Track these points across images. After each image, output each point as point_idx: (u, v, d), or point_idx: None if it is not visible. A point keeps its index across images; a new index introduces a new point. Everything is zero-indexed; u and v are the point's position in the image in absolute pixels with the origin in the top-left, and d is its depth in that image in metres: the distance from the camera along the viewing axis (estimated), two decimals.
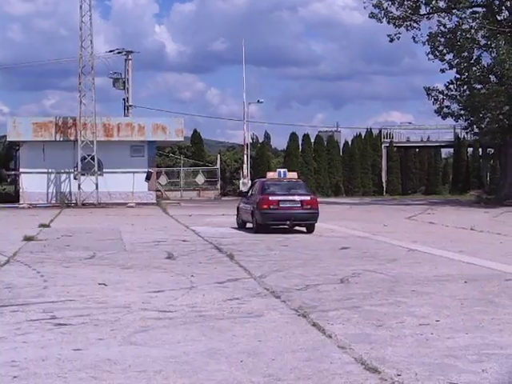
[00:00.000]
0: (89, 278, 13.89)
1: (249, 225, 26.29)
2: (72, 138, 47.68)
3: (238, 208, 28.11)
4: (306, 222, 25.36)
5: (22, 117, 50.42)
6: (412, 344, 8.61)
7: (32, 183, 46.91)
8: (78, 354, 8.09)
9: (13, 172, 51.90)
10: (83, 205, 44.99)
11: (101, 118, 48.33)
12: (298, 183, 27.06)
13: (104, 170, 47.27)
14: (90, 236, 23.51)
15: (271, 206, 25.06)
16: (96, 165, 46.50)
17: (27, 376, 7.20)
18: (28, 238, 21.70)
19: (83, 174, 46.57)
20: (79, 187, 46.10)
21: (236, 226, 27.59)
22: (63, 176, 47.98)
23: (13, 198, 49.92)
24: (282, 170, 27.92)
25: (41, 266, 15.79)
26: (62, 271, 14.98)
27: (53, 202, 47.30)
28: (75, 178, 46.93)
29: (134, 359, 7.86)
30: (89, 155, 46.63)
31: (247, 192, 28.71)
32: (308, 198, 25.92)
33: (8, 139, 49.29)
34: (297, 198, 25.59)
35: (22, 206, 45.59)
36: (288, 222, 25.01)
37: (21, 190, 47.93)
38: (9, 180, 55.94)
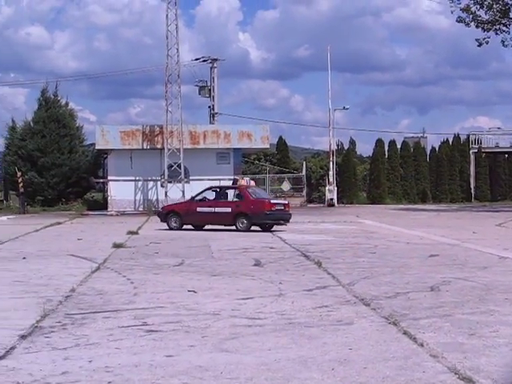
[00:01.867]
0: (178, 285, 14.00)
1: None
2: (159, 145, 48.32)
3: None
4: (288, 220, 30.70)
5: (109, 125, 51.28)
6: (507, 354, 8.42)
7: (120, 191, 47.68)
8: (170, 360, 8.15)
9: (101, 180, 52.79)
10: None
11: (187, 125, 48.84)
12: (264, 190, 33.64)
13: (190, 178, 47.76)
14: (177, 243, 23.73)
15: (272, 209, 30.01)
16: (182, 172, 47.00)
17: (121, 382, 7.28)
18: (117, 245, 22.04)
19: (170, 182, 47.14)
20: (166, 194, 46.64)
21: (315, 233, 27.49)
22: (150, 183, 48.64)
23: (101, 205, 50.79)
24: (247, 179, 34.80)
25: (130, 272, 16.00)
26: (152, 278, 15.13)
27: (140, 209, 47.99)
28: (162, 186, 47.53)
29: (226, 366, 7.87)
30: (175, 163, 47.16)
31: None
32: (287, 202, 32.52)
33: (96, 147, 50.22)
34: (282, 202, 32.84)
35: (110, 213, 46.36)
36: (282, 222, 30.16)
37: (109, 198, 48.77)
38: (97, 187, 56.88)
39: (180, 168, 47.01)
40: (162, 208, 33.32)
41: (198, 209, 30.36)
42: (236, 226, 29.68)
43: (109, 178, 49.36)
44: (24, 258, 19.35)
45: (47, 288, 13.75)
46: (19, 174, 48.80)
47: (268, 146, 54.31)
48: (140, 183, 48.58)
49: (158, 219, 31.62)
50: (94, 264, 17.55)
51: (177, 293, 13.04)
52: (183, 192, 46.27)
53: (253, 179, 63.45)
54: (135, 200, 48.63)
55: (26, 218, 41.23)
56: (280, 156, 69.39)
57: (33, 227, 31.38)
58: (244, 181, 33.42)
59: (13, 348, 8.76)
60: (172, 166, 47.18)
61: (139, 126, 49.84)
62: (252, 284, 14.21)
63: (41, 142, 52.13)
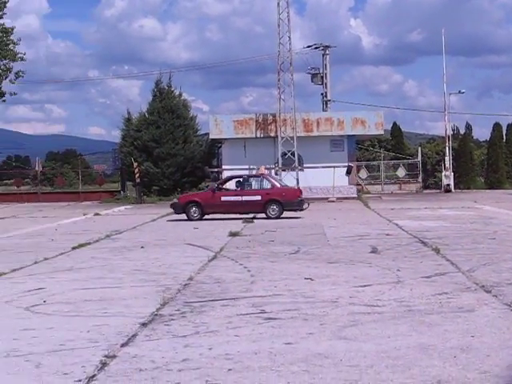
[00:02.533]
0: (295, 273, 13.99)
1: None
2: (272, 134, 48.42)
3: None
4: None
5: (223, 115, 51.66)
6: None
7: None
8: (290, 347, 8.14)
9: (215, 169, 53.27)
10: None
11: (300, 113, 48.77)
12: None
13: (304, 165, 47.71)
14: (293, 231, 23.73)
15: (301, 195, 31.69)
16: (296, 160, 46.99)
17: (241, 369, 7.31)
18: (233, 234, 22.21)
19: (284, 170, 47.18)
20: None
21: (432, 219, 27.05)
22: None
23: None
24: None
25: (247, 260, 16.08)
26: (268, 266, 15.17)
27: None
28: (276, 174, 47.62)
29: (345, 354, 7.81)
30: (289, 151, 47.19)
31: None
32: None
33: (210, 137, 50.68)
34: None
35: None
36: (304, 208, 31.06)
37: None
38: (212, 177, 57.45)
39: (294, 156, 47.04)
40: (179, 199, 32.03)
41: (223, 198, 30.38)
42: (266, 214, 29.95)
43: (223, 167, 49.76)
44: (142, 247, 19.71)
45: (166, 276, 13.95)
46: (135, 164, 49.71)
47: (382, 132, 53.74)
48: (254, 172, 48.79)
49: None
50: (210, 252, 17.73)
51: (294, 280, 13.04)
52: (297, 180, 46.28)
53: (367, 166, 63.21)
54: None
55: (142, 208, 42.00)
56: (394, 142, 68.65)
57: (150, 217, 31.97)
58: (264, 169, 34.14)
59: (134, 335, 8.91)
60: (286, 154, 47.25)
61: (252, 114, 50.06)
62: (369, 271, 14.09)
63: (156, 132, 52.93)
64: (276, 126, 48.09)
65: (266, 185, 31.11)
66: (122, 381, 7.06)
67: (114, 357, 7.92)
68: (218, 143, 52.41)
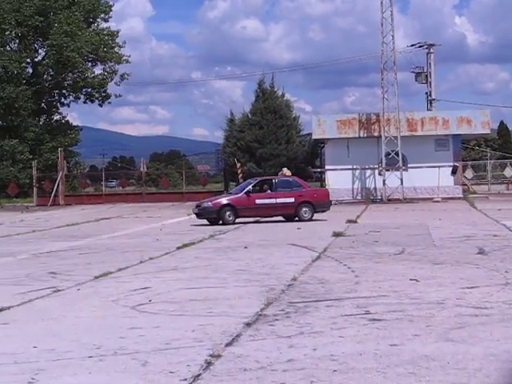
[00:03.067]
0: (400, 274, 13.81)
1: None
2: (375, 133, 48.03)
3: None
4: None
5: (325, 115, 51.52)
6: None
7: (337, 180, 47.76)
8: (395, 349, 8.02)
9: (318, 169, 53.17)
10: (388, 200, 45.14)
11: (404, 112, 48.24)
12: None
13: (408, 165, 47.17)
14: (397, 232, 23.47)
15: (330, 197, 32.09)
16: (400, 160, 46.49)
17: (346, 370, 7.23)
18: (337, 234, 22.10)
19: (388, 170, 46.75)
20: (384, 183, 46.32)
21: None
22: (368, 172, 48.45)
23: None
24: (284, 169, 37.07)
25: (351, 261, 15.96)
26: (373, 266, 15.03)
27: (358, 197, 47.93)
28: (380, 174, 47.22)
29: (452, 356, 7.65)
30: (393, 151, 46.73)
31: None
32: None
33: (313, 137, 50.61)
34: None
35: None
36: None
37: (327, 187, 49.02)
38: (315, 177, 57.38)
39: (397, 156, 46.55)
40: (213, 204, 29.70)
41: (258, 201, 29.74)
42: (299, 216, 29.52)
43: (326, 167, 49.62)
44: (246, 247, 19.79)
45: (269, 277, 13.96)
46: (238, 164, 50.05)
47: (489, 132, 52.71)
48: (357, 172, 48.52)
49: (378, 208, 31.17)
50: (314, 253, 17.67)
51: (399, 281, 12.87)
52: (401, 180, 45.80)
53: (473, 165, 62.06)
54: (353, 189, 48.59)
55: None
56: (501, 141, 67.30)
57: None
58: (288, 171, 33.53)
59: (239, 335, 8.93)
60: (389, 154, 46.80)
61: (355, 114, 49.76)
62: (476, 272, 13.79)
63: (258, 133, 53.18)
64: (379, 126, 47.68)
65: (294, 187, 30.62)
66: (227, 380, 7.07)
67: (219, 356, 7.95)
68: (320, 143, 52.29)
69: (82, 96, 70.25)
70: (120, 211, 40.34)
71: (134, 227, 27.91)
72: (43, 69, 67.42)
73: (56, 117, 71.39)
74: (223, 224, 28.68)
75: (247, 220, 29.86)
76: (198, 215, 29.77)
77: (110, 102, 71.57)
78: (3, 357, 8.31)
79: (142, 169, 62.06)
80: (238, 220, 29.35)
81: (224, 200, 30.08)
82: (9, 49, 67.25)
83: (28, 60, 68.19)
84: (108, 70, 69.34)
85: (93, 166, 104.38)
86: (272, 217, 30.00)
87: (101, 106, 71.38)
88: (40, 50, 69.67)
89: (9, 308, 11.42)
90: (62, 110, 71.80)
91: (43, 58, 68.36)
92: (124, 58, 69.66)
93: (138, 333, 9.30)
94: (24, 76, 66.62)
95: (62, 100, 71.33)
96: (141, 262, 16.99)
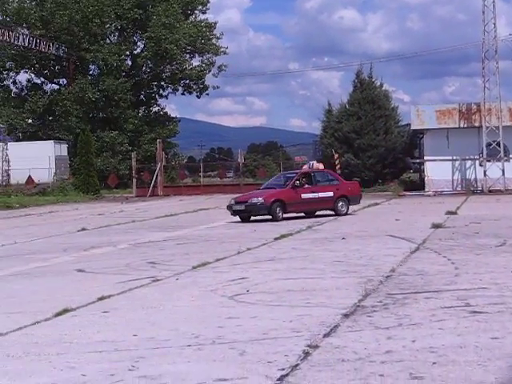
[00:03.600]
0: (501, 266, 13.52)
1: None
2: (476, 124, 47.19)
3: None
4: None
5: (424, 105, 50.84)
6: None
7: (436, 171, 47.14)
8: (496, 342, 7.85)
9: (417, 160, 52.53)
10: (489, 191, 44.31)
11: (506, 102, 47.24)
12: None
13: (510, 156, 46.22)
14: (498, 223, 22.98)
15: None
16: (502, 150, 45.59)
17: (446, 363, 7.12)
18: (436, 226, 21.78)
19: (489, 161, 45.88)
20: (485, 174, 45.49)
21: None
22: (468, 163, 47.66)
23: (418, 185, 50.54)
24: (311, 163, 32.55)
25: (450, 253, 15.71)
26: (473, 258, 14.75)
27: (458, 189, 47.21)
28: (481, 165, 46.39)
29: None
30: (494, 141, 45.84)
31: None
32: None
33: (412, 127, 50.02)
34: None
35: (427, 193, 46.04)
36: None
37: (426, 178, 48.41)
38: (413, 168, 56.71)
39: (499, 146, 45.64)
40: (265, 199, 27.13)
41: (303, 195, 27.97)
42: (336, 210, 28.34)
43: (425, 158, 48.99)
44: (343, 238, 19.69)
45: (367, 268, 13.86)
46: (336, 155, 49.83)
47: None
48: (457, 163, 47.76)
49: (479, 199, 30.28)
50: (412, 244, 17.47)
51: (500, 274, 12.60)
52: (503, 171, 44.90)
53: None
54: (452, 180, 47.87)
55: None
56: None
57: (350, 208, 31.87)
58: (319, 164, 31.45)
59: (336, 326, 8.89)
60: (490, 145, 45.91)
61: (455, 104, 48.98)
62: None
63: (356, 123, 52.82)
64: (480, 116, 46.81)
65: (331, 181, 29.69)
66: (325, 371, 7.04)
67: (317, 347, 7.92)
68: (419, 134, 51.65)
69: (180, 88, 71.08)
70: (218, 202, 40.63)
71: (232, 218, 28.08)
72: (142, 61, 68.43)
73: (154, 108, 72.46)
74: (275, 220, 26.54)
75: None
76: (243, 212, 27.31)
77: (207, 94, 72.23)
78: (104, 344, 8.47)
79: (239, 160, 62.42)
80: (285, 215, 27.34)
81: (274, 195, 27.53)
82: (108, 42, 68.49)
83: (127, 53, 69.29)
84: (206, 61, 69.96)
85: (191, 157, 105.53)
86: (314, 213, 28.35)
87: (199, 97, 72.14)
88: (139, 43, 70.78)
89: (109, 297, 11.63)
90: (160, 101, 72.91)
91: (142, 51, 69.38)
92: (221, 49, 70.20)
93: (236, 322, 9.35)
94: (123, 68, 67.73)
95: (161, 92, 72.36)
96: (238, 253, 17.09)
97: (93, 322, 9.86)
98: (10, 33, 60.08)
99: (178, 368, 7.36)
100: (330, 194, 28.50)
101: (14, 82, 69.91)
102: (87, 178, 53.37)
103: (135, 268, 15.24)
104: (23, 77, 70.64)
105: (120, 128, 65.09)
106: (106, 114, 66.54)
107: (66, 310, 10.48)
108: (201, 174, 64.37)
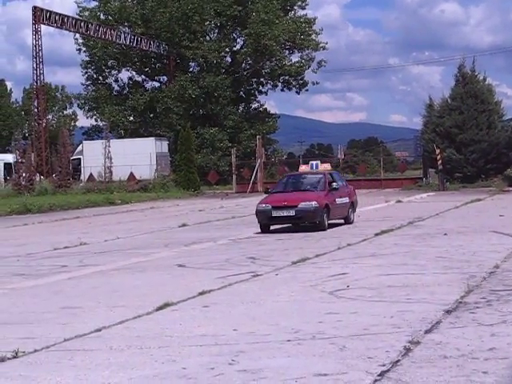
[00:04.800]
0: None
1: None
2: None
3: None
4: None
5: None
6: None
7: None
8: None
9: None
10: None
11: None
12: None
13: None
14: None
15: None
16: None
17: None
18: None
19: None
20: None
21: None
22: None
23: None
24: (314, 163, 27.70)
25: None
26: None
27: None
28: None
29: None
30: None
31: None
32: None
33: None
34: None
35: None
36: None
37: None
38: None
39: None
40: (319, 202, 22.41)
41: (337, 200, 23.52)
42: (348, 219, 24.18)
43: None
44: (445, 234, 19.39)
45: (469, 264, 13.62)
46: (438, 151, 49.10)
47: None
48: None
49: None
50: None
51: None
52: None
53: None
54: None
55: (445, 195, 41.37)
56: None
57: (452, 204, 31.39)
58: (326, 165, 28.08)
59: (438, 322, 8.76)
60: None
61: None
62: None
63: (458, 118, 51.93)
64: None
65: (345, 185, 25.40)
66: (427, 367, 6.93)
67: (418, 343, 7.81)
68: None
69: (280, 84, 71.13)
70: None
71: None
72: (241, 58, 68.75)
73: (254, 105, 72.70)
74: (320, 230, 21.94)
75: (447, 207, 29.27)
76: (291, 219, 22.53)
77: (307, 90, 72.09)
78: (205, 338, 8.53)
79: (339, 156, 62.16)
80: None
81: (322, 198, 22.84)
82: (208, 39, 69.02)
83: (227, 49, 69.67)
84: (305, 57, 69.82)
85: (290, 153, 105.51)
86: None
87: (298, 93, 72.04)
88: (238, 39, 71.04)
89: (210, 292, 11.71)
90: (259, 98, 73.03)
91: (241, 47, 69.68)
92: (321, 45, 69.90)
93: (336, 318, 9.30)
94: (223, 65, 68.18)
95: (260, 88, 72.50)
96: (338, 248, 17.00)
97: (193, 316, 9.94)
98: (112, 32, 61.19)
99: (277, 362, 7.36)
100: (347, 200, 24.31)
101: (116, 80, 71.19)
102: (188, 174, 53.88)
103: (235, 263, 15.32)
104: (125, 75, 71.73)
105: (220, 124, 65.55)
106: (206, 111, 67.09)
107: (166, 305, 10.60)
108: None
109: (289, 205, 22.33)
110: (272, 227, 22.82)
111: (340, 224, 23.62)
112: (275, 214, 22.33)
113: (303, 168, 27.21)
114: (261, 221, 22.62)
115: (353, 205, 24.82)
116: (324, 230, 21.94)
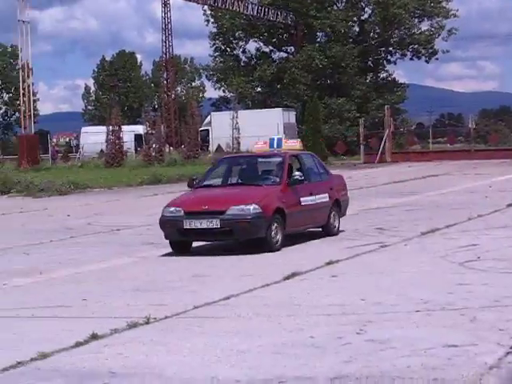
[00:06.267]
0: None
1: None
2: None
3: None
4: None
5: None
6: None
7: None
8: None
9: None
10: None
11: None
12: None
13: None
14: None
15: None
16: None
17: None
18: None
19: None
20: None
21: None
22: None
23: None
24: (275, 138, 17.74)
25: None
26: None
27: None
28: None
29: None
30: None
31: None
32: None
33: None
34: None
35: None
36: None
37: None
38: None
39: None
40: (264, 207, 13.59)
41: (302, 200, 14.64)
42: (328, 228, 15.47)
43: None
44: None
45: None
46: None
47: None
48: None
49: None
50: None
51: None
52: None
53: None
54: None
55: None
56: None
57: None
58: (297, 142, 18.64)
59: None
60: None
61: None
62: None
63: None
64: None
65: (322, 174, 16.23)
66: None
67: None
68: None
69: (409, 53, 69.98)
70: (447, 168, 39.82)
71: (462, 184, 27.39)
72: (369, 27, 68.01)
73: (382, 74, 71.87)
74: (268, 249, 13.67)
75: None
76: (218, 234, 13.59)
77: (437, 59, 70.70)
78: (332, 308, 8.52)
79: (470, 125, 60.79)
80: None
81: (269, 198, 14.07)
82: (336, 8, 68.49)
83: (355, 18, 69.00)
84: (435, 25, 68.41)
85: (420, 123, 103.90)
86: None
87: (427, 62, 70.75)
88: (366, 8, 70.23)
89: (337, 261, 11.69)
90: (388, 67, 72.09)
91: (369, 16, 68.93)
92: (452, 12, 68.34)
93: (467, 289, 9.13)
94: (351, 35, 67.62)
95: (389, 57, 71.54)
96: (469, 219, 16.67)
97: (321, 285, 9.94)
98: (240, 2, 61.46)
99: (406, 333, 7.28)
100: (325, 198, 15.44)
101: (244, 51, 71.54)
102: (315, 144, 53.75)
103: (363, 233, 15.23)
104: (252, 46, 71.99)
105: (347, 94, 65.11)
106: (333, 81, 66.76)
107: (294, 274, 10.63)
108: (430, 140, 63.23)
109: (211, 210, 13.59)
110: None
111: None
112: (188, 225, 13.53)
113: (259, 146, 17.26)
114: (168, 235, 13.95)
115: (338, 205, 15.90)
116: (272, 250, 13.35)
